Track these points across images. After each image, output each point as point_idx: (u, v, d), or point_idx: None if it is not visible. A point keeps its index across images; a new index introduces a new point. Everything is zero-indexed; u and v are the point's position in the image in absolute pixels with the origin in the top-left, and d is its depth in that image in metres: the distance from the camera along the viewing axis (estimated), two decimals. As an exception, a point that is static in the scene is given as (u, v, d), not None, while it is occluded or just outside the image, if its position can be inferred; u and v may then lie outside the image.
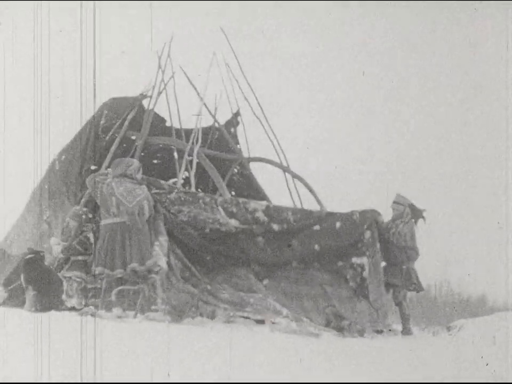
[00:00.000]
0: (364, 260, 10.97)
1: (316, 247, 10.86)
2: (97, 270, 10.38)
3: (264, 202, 11.04)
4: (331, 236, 10.86)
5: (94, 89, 10.58)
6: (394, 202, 11.24)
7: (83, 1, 10.40)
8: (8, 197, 10.90)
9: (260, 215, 10.83)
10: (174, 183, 11.57)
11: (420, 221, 11.14)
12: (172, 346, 9.32)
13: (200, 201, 10.79)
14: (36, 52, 10.58)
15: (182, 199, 10.76)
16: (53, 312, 10.38)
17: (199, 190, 11.83)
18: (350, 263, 11.03)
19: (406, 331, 11.06)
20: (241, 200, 10.93)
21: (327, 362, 9.31)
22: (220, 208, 10.79)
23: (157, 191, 10.71)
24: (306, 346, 9.68)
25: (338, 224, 10.88)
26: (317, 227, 10.85)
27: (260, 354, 9.35)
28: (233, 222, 10.73)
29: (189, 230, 10.71)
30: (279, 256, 10.82)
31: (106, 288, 10.60)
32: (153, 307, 10.41)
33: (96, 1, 10.42)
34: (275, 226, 10.77)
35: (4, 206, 10.94)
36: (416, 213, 11.26)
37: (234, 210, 10.77)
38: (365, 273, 10.94)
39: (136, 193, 10.51)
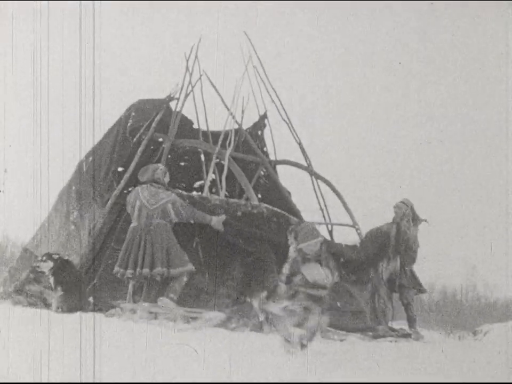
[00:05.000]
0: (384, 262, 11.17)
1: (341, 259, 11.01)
2: (115, 269, 10.59)
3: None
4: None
5: (94, 89, 10.59)
6: (400, 202, 11.35)
7: (83, 1, 10.42)
8: (8, 197, 11.01)
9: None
10: (201, 186, 11.61)
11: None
12: (172, 346, 9.36)
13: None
14: (36, 51, 10.62)
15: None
16: (52, 312, 10.46)
17: (226, 193, 11.84)
18: (376, 268, 11.19)
19: (414, 333, 11.08)
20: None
21: (352, 365, 9.33)
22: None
23: None
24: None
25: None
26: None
27: (260, 355, 9.37)
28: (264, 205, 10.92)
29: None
30: None
31: (134, 292, 10.71)
32: (171, 295, 10.49)
33: (96, 1, 10.43)
34: None
35: (4, 205, 11.03)
36: (415, 219, 11.36)
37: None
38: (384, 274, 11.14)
39: (159, 196, 10.64)
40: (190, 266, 10.58)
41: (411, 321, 11.23)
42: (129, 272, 10.52)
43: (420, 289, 11.41)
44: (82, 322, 9.61)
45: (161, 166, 10.92)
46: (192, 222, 10.72)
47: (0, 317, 9.95)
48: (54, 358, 9.18)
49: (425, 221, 11.34)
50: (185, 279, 10.57)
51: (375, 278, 11.10)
